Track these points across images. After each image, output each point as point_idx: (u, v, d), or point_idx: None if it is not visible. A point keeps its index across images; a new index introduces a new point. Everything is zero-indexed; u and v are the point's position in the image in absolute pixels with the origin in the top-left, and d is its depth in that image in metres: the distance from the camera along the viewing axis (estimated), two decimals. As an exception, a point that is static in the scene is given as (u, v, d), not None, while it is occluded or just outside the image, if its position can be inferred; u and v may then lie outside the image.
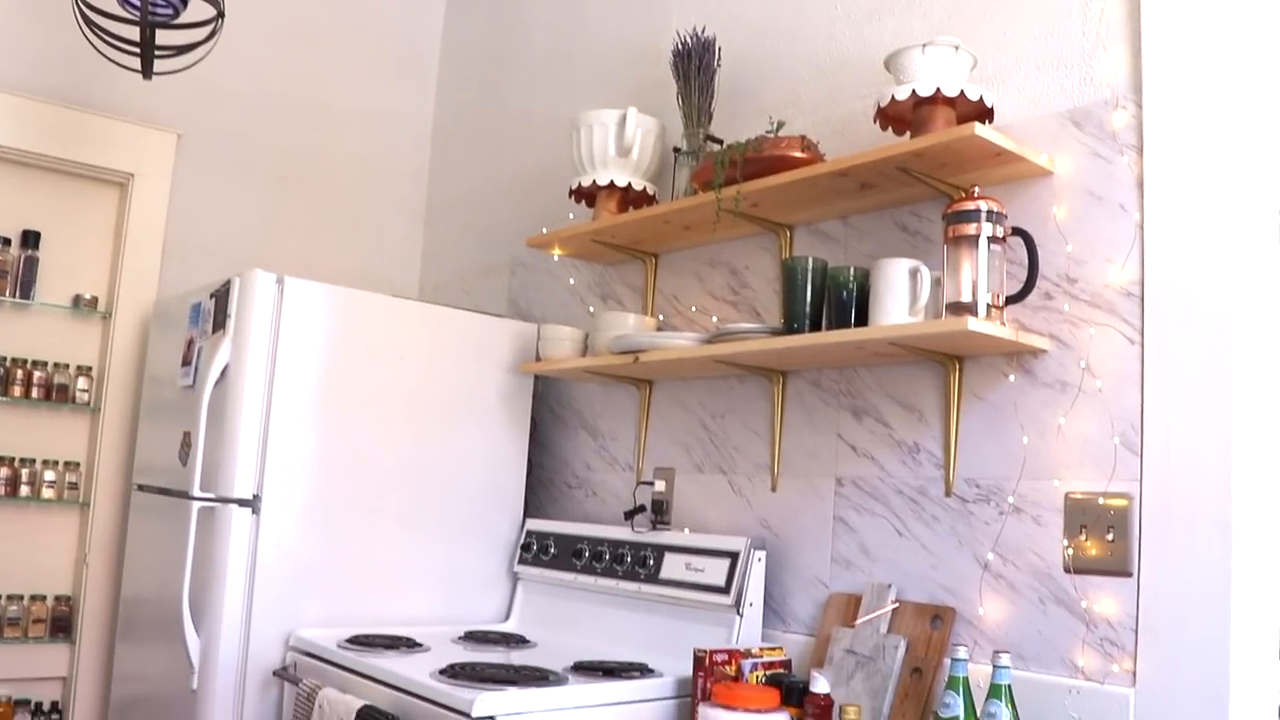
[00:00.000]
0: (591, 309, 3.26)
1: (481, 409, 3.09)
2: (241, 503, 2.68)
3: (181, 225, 3.66)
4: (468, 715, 2.05)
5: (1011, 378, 2.18)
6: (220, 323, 2.79)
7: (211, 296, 2.88)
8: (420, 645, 2.61)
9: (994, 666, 1.89)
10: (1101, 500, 2.02)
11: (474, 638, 2.80)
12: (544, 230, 3.13)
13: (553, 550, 2.97)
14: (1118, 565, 1.98)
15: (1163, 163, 2.01)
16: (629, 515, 2.85)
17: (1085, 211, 2.12)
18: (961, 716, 1.93)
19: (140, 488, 3.19)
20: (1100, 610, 2.00)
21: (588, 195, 2.99)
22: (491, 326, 3.13)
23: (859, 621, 2.29)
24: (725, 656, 2.25)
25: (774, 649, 2.33)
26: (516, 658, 2.57)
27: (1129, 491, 1.98)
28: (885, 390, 2.41)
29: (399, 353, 2.94)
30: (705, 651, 2.24)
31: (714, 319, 2.83)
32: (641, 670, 2.41)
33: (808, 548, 2.52)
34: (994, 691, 1.89)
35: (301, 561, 2.75)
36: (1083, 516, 2.04)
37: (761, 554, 2.50)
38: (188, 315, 3.02)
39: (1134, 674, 1.94)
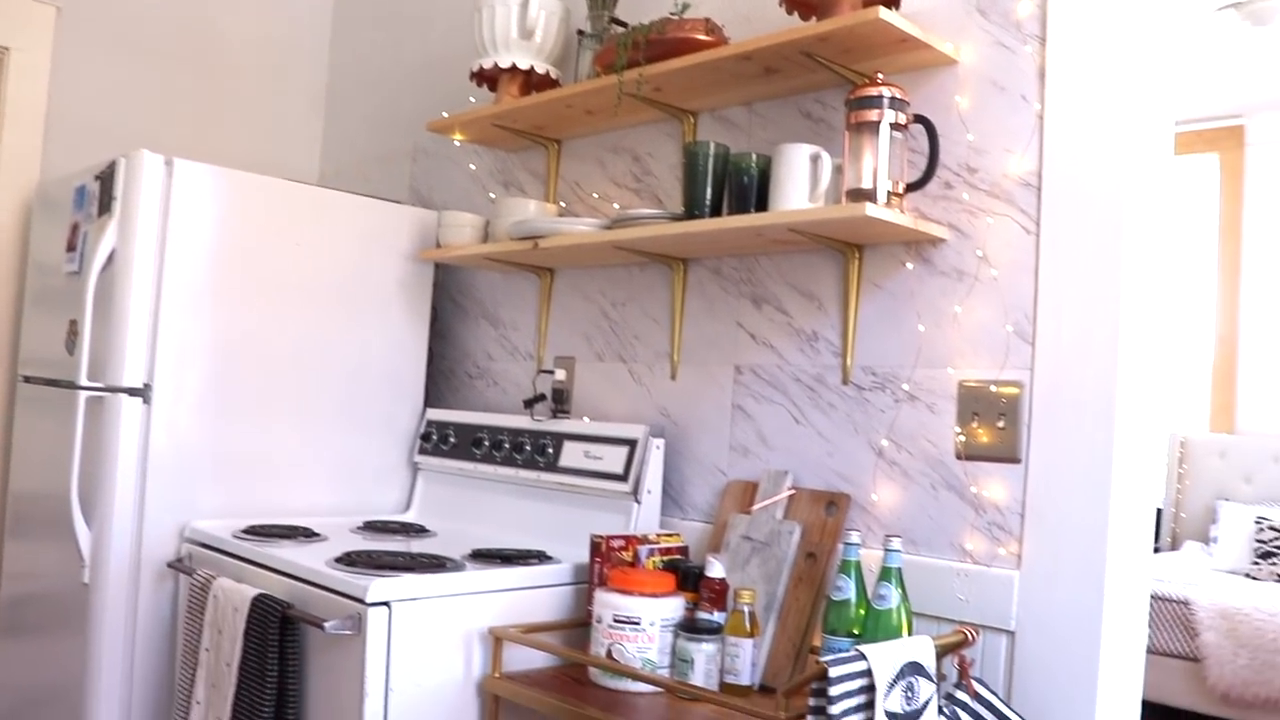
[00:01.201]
0: (493, 196, 3.20)
1: (381, 297, 3.03)
2: (131, 392, 2.60)
3: (64, 104, 3.49)
4: (362, 601, 2.04)
5: (909, 266, 2.19)
6: (106, 206, 2.69)
7: (96, 179, 2.76)
8: (317, 535, 2.59)
9: (885, 550, 1.92)
10: (994, 388, 2.04)
11: (373, 527, 2.78)
12: (445, 115, 3.04)
13: (453, 440, 2.95)
14: (1007, 452, 2.02)
15: (1065, 54, 2.00)
16: (529, 404, 2.83)
17: (987, 101, 2.11)
18: (853, 599, 1.97)
19: (26, 379, 3.09)
20: (989, 496, 2.04)
21: (490, 79, 2.91)
22: (391, 213, 3.05)
23: (755, 508, 2.31)
24: (622, 542, 2.26)
25: (671, 535, 2.34)
26: (415, 546, 2.56)
27: (1020, 380, 2.01)
28: (785, 279, 2.40)
29: (295, 239, 2.86)
30: (602, 537, 2.25)
31: (616, 206, 2.79)
32: (539, 557, 2.42)
33: (706, 436, 2.53)
34: (884, 574, 1.92)
35: (195, 452, 2.69)
36: (975, 404, 2.07)
37: (660, 442, 2.50)
38: (72, 199, 2.90)
39: (1019, 557, 1.99)
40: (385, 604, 2.06)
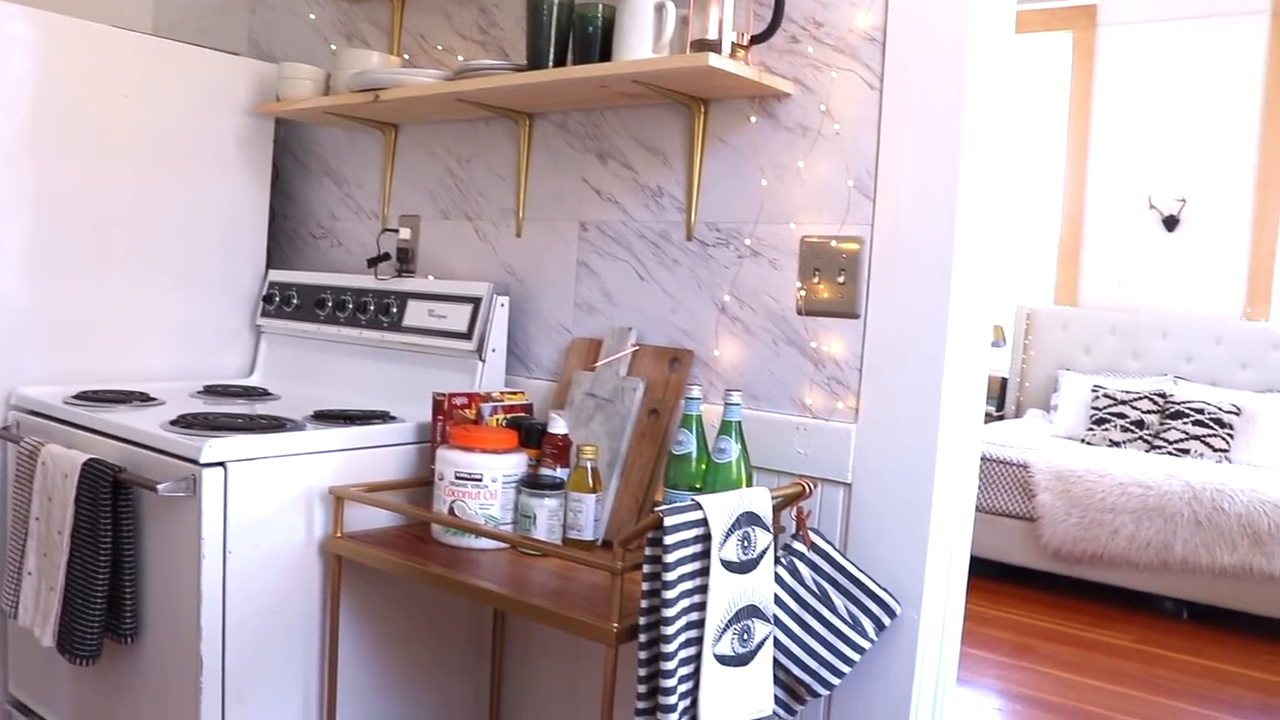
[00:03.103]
0: (334, 48, 3.06)
1: (218, 154, 2.89)
2: (-57, 249, 2.46)
3: None
4: (196, 462, 1.99)
5: (754, 120, 2.16)
6: (-98, 47, 2.49)
7: (-109, 17, 2.56)
8: (154, 399, 2.50)
9: (725, 405, 1.93)
10: (834, 243, 2.05)
11: (213, 391, 2.70)
12: (282, -40, 2.90)
13: (296, 301, 2.87)
14: (847, 307, 2.04)
15: (913, -94, 1.97)
16: (372, 263, 2.76)
17: (836, -48, 2.08)
18: (694, 453, 1.99)
19: None
20: (829, 351, 2.06)
21: (329, -78, 2.76)
22: (227, 65, 2.90)
23: (599, 365, 2.30)
24: (465, 400, 2.23)
25: (515, 393, 2.32)
26: (257, 409, 2.49)
27: (861, 235, 2.02)
28: (631, 133, 2.36)
29: (123, 89, 2.70)
30: (445, 395, 2.22)
31: (460, 59, 2.70)
32: (383, 417, 2.38)
33: (551, 293, 2.50)
34: (724, 429, 1.93)
35: (20, 314, 2.56)
36: (816, 260, 2.07)
37: (505, 299, 2.47)
38: None
39: (857, 410, 2.02)
40: (221, 465, 2.01)
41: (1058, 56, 6.28)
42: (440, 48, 2.76)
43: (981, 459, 4.88)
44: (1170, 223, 5.85)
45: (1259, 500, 4.31)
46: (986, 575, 5.00)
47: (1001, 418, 6.19)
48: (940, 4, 1.92)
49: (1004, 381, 6.30)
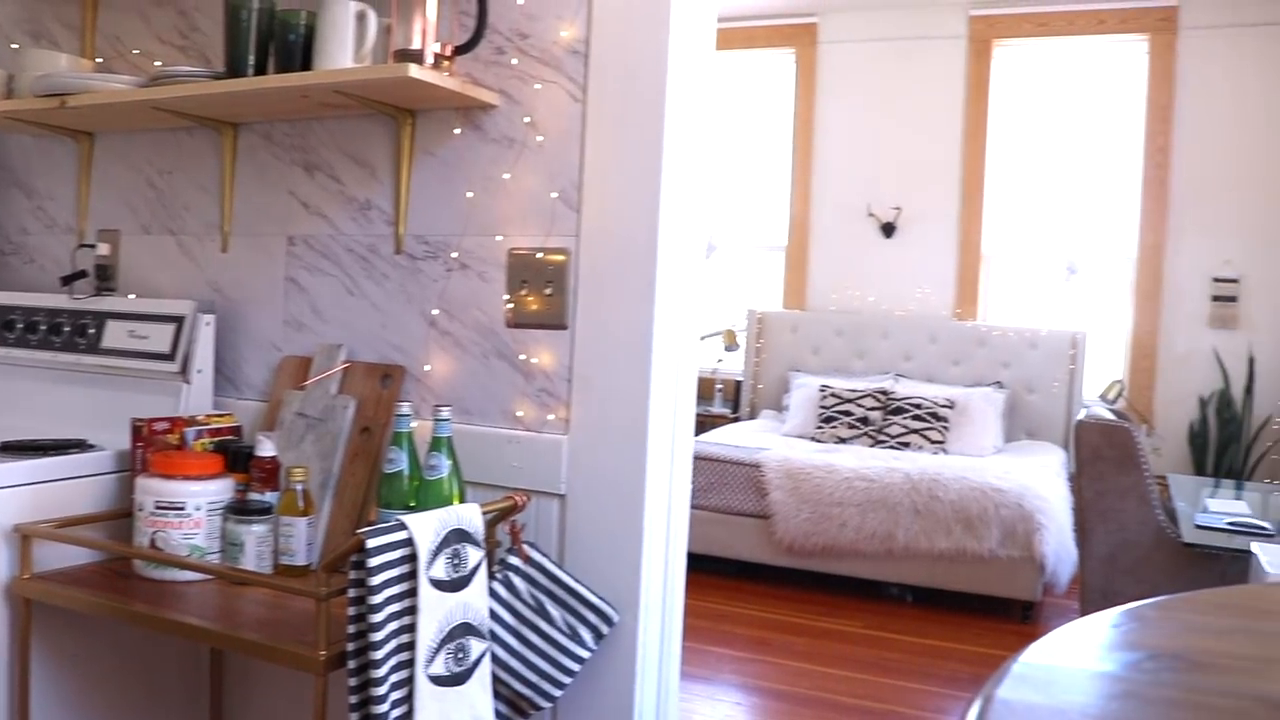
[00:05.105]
0: (16, 46, 2.86)
1: (-113, 164, 2.66)
2: None
3: None
4: None
5: (459, 131, 2.15)
6: None
7: None
8: None
9: (435, 420, 1.91)
10: (541, 255, 2.06)
11: (-115, 424, 2.48)
12: (-42, -45, 2.68)
13: (-18, 323, 2.67)
14: (555, 319, 2.05)
15: (615, -77, 2.00)
16: (67, 281, 2.59)
17: (540, -34, 2.09)
18: (406, 470, 1.95)
19: None
20: (538, 362, 2.07)
21: (9, -84, 2.58)
22: (-105, 67, 2.67)
23: (309, 383, 2.23)
24: (167, 425, 2.13)
25: (222, 416, 2.23)
26: (-67, 441, 2.30)
27: (567, 246, 2.03)
28: (339, 145, 2.31)
29: None
30: (144, 421, 2.11)
31: (158, 64, 2.57)
32: (79, 446, 2.24)
33: (260, 310, 2.41)
34: (435, 444, 1.91)
35: None
36: (524, 272, 2.08)
37: (210, 318, 2.36)
38: None
39: (568, 421, 2.04)
40: (-119, 509, 1.84)
41: (783, 72, 6.53)
42: (137, 51, 2.62)
43: (715, 460, 5.02)
44: (888, 230, 6.17)
45: (969, 487, 4.59)
46: (723, 573, 5.14)
47: (737, 419, 6.38)
48: (641, 19, 1.96)
49: (738, 384, 6.50)
